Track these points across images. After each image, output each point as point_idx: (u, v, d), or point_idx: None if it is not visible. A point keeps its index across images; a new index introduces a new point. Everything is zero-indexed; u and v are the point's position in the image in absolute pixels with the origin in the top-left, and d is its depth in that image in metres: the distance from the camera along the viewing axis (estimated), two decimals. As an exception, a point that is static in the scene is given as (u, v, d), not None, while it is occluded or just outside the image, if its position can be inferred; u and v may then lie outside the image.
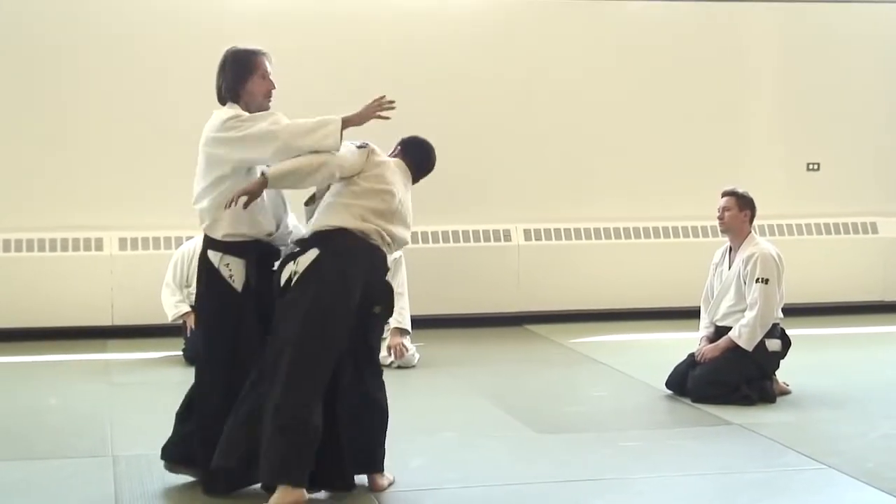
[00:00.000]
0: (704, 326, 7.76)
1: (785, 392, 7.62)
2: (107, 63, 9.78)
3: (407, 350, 8.54)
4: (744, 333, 7.41)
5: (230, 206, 5.25)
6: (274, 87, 5.50)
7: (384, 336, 8.52)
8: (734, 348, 7.43)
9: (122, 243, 9.63)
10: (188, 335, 8.50)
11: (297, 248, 5.38)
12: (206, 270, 5.43)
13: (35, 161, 9.77)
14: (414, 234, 6.12)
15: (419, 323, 8.90)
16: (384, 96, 5.48)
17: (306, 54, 9.98)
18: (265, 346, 5.35)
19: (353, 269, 5.33)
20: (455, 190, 10.25)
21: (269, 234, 5.48)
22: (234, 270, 5.38)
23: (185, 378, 6.13)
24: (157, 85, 9.81)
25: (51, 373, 8.53)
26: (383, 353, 8.61)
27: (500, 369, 8.65)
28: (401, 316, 8.37)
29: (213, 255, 5.40)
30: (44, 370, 8.68)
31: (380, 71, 10.15)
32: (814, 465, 6.03)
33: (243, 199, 5.22)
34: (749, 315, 7.43)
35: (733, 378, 7.36)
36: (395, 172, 5.63)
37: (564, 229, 10.60)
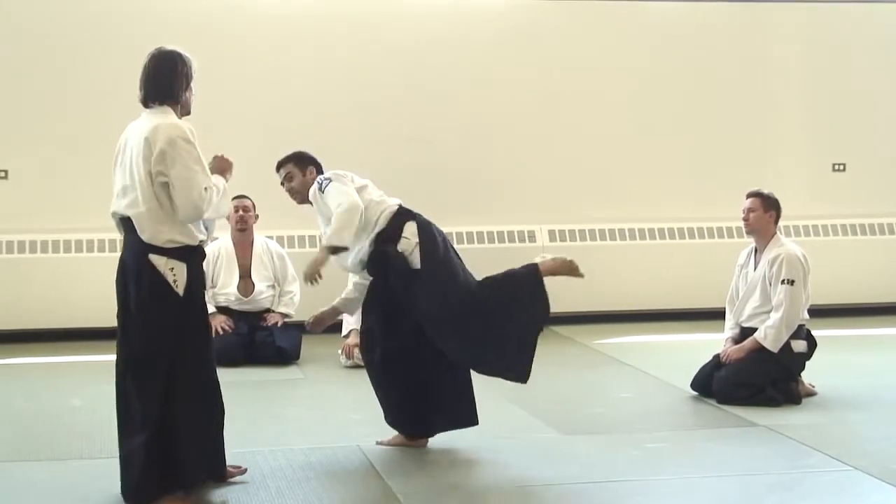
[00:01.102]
0: (729, 328, 7.73)
1: (811, 393, 7.58)
2: (122, 65, 9.75)
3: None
4: (769, 335, 7.38)
5: (311, 282, 6.01)
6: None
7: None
8: (760, 350, 7.40)
9: (144, 244, 9.62)
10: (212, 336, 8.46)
11: (391, 227, 6.19)
12: (149, 274, 5.28)
13: (53, 163, 9.82)
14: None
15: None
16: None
17: (314, 55, 9.99)
18: (209, 347, 5.58)
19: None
20: (479, 191, 10.25)
21: (202, 242, 5.47)
22: (177, 275, 5.30)
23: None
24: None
25: (73, 374, 8.56)
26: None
27: (524, 371, 8.61)
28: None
29: (158, 259, 5.27)
30: (66, 371, 8.72)
31: (394, 72, 10.16)
32: (840, 467, 5.99)
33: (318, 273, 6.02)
34: (774, 316, 7.39)
35: (759, 379, 7.32)
36: None
37: (589, 230, 10.58)
